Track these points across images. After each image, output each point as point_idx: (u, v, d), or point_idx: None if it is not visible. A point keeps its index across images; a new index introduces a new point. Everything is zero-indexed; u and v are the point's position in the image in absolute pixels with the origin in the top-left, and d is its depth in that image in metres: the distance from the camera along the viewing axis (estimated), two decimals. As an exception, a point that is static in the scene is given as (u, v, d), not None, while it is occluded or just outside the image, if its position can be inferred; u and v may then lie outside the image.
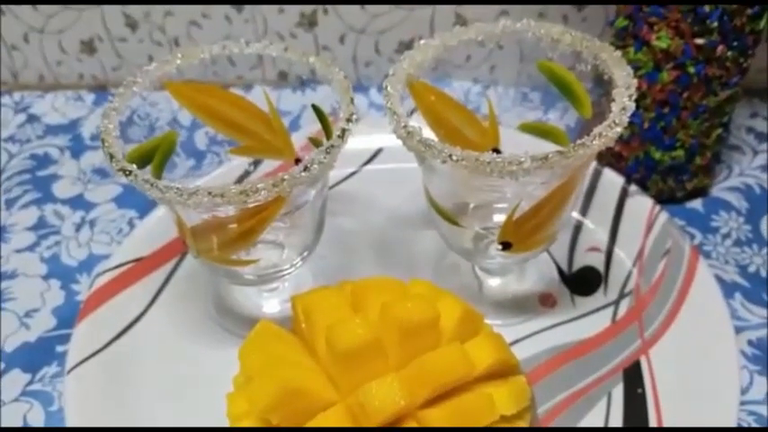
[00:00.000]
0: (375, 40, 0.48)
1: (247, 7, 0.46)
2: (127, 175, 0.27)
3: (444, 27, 0.47)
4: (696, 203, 0.42)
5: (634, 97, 0.28)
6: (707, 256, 0.39)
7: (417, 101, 0.33)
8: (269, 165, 0.40)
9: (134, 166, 0.27)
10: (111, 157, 0.27)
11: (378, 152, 0.43)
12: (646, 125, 0.38)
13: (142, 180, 0.26)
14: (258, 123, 0.33)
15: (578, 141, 0.27)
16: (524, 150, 0.33)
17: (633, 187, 0.39)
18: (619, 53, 0.30)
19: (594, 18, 0.46)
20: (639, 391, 0.33)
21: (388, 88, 0.30)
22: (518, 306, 0.36)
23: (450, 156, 0.27)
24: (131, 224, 0.41)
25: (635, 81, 0.29)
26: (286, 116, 0.48)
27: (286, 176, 0.26)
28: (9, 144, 0.47)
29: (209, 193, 0.26)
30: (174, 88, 0.32)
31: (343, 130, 0.28)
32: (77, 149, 0.46)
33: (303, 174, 0.27)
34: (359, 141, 0.42)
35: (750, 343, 0.35)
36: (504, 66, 0.48)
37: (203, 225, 0.30)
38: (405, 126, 0.28)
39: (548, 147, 0.34)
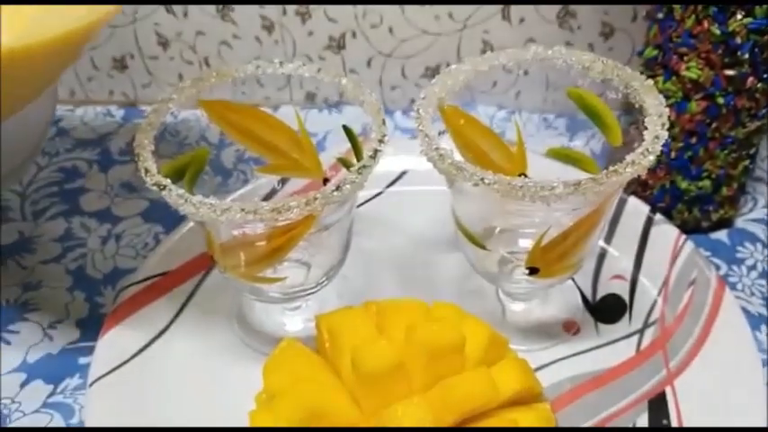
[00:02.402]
0: (402, 65, 0.48)
1: (277, 29, 0.47)
2: (161, 189, 0.27)
3: (471, 53, 0.47)
4: (721, 234, 0.42)
5: (666, 126, 0.28)
6: (732, 287, 0.38)
7: (447, 124, 0.33)
8: (296, 183, 0.40)
9: (168, 180, 0.27)
10: (146, 171, 0.28)
11: (402, 174, 0.43)
12: (673, 154, 0.38)
13: (176, 195, 0.27)
14: (288, 142, 0.34)
15: (611, 168, 0.27)
16: (552, 177, 0.33)
17: (658, 216, 0.39)
18: (650, 82, 0.30)
19: (621, 47, 0.46)
20: (665, 422, 0.32)
21: (420, 111, 0.30)
22: (541, 332, 0.36)
23: (483, 179, 0.27)
24: (157, 239, 0.42)
25: (667, 110, 0.29)
26: (312, 136, 0.48)
27: (318, 195, 0.27)
28: (38, 156, 0.47)
29: (242, 210, 0.26)
30: (207, 105, 0.32)
31: (376, 151, 0.29)
32: (105, 164, 0.47)
33: (335, 193, 0.27)
34: (384, 163, 0.41)
35: (777, 377, 0.34)
36: (529, 92, 0.48)
37: (233, 242, 0.30)
38: (437, 148, 0.28)
39: (575, 173, 0.34)
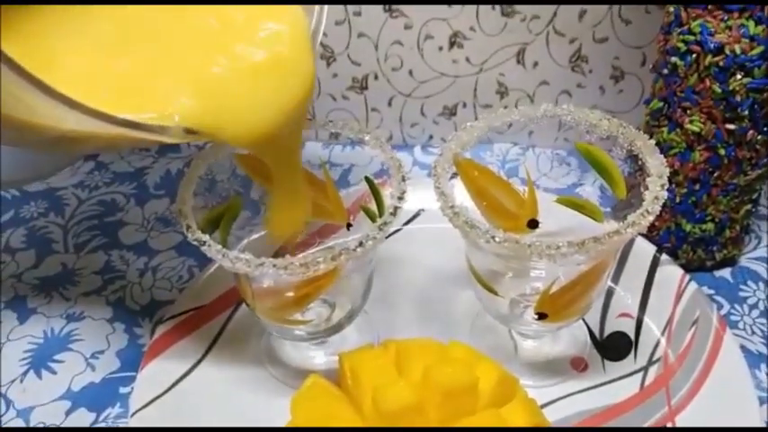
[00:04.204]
0: (421, 104, 0.51)
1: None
2: (201, 245, 0.30)
3: (487, 94, 0.50)
4: (725, 272, 0.43)
5: (666, 186, 0.31)
6: (734, 325, 0.40)
7: (462, 176, 0.35)
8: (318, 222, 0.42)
9: (207, 236, 0.30)
10: (188, 227, 0.31)
11: (419, 212, 0.46)
12: (677, 200, 0.40)
13: (215, 250, 0.29)
14: (315, 191, 0.37)
15: (612, 230, 0.29)
16: (560, 222, 0.36)
17: (664, 257, 0.41)
18: (652, 142, 0.33)
19: (631, 90, 0.48)
20: (665, 457, 0.34)
21: (437, 168, 0.33)
22: (551, 369, 0.38)
23: (494, 237, 0.29)
24: (191, 272, 0.44)
25: (667, 170, 0.31)
26: (336, 169, 0.51)
27: (343, 251, 0.29)
28: (79, 190, 0.50)
29: (274, 266, 0.29)
30: (240, 159, 0.35)
31: (396, 208, 0.31)
32: (142, 197, 0.49)
33: (359, 249, 0.29)
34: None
35: (774, 414, 0.36)
36: (543, 132, 0.50)
37: (264, 290, 0.32)
38: (452, 206, 0.31)
39: (583, 219, 0.37)
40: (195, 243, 0.30)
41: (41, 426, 0.37)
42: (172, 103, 0.26)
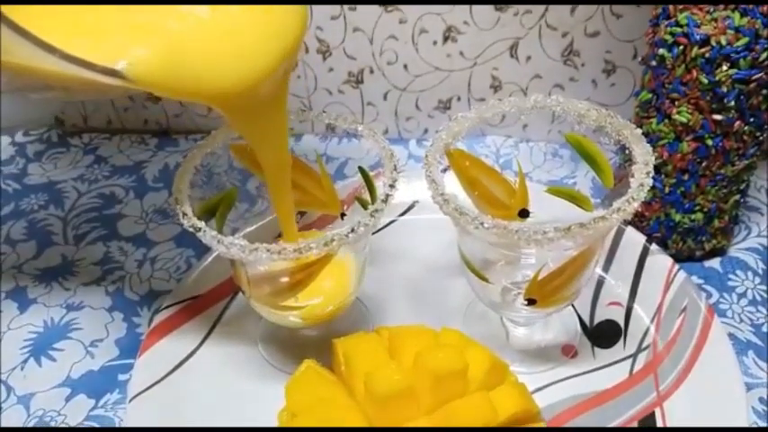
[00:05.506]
0: (416, 98, 0.51)
1: (300, 65, 0.50)
2: (197, 232, 0.31)
3: (481, 88, 0.50)
4: (714, 262, 0.44)
5: (651, 174, 0.31)
6: (722, 314, 0.41)
7: (453, 166, 0.36)
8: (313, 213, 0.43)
9: (203, 223, 0.31)
10: (184, 214, 0.31)
11: (414, 204, 0.47)
12: (666, 190, 0.41)
13: (210, 237, 0.30)
14: (310, 182, 0.37)
15: (598, 215, 0.29)
16: (551, 211, 0.37)
17: (654, 246, 0.42)
18: (639, 131, 0.33)
19: (623, 83, 0.49)
20: (653, 441, 0.35)
21: (428, 158, 0.33)
22: (542, 355, 0.39)
23: (482, 224, 0.30)
24: (189, 262, 0.45)
25: (653, 158, 0.32)
26: (332, 162, 0.52)
27: (335, 237, 0.30)
28: (78, 183, 0.51)
29: (268, 251, 0.29)
30: (236, 149, 0.36)
31: (387, 196, 0.32)
32: (141, 190, 0.50)
33: (351, 235, 0.30)
34: (397, 194, 0.45)
35: (761, 400, 0.37)
36: (536, 124, 0.51)
37: (259, 276, 0.33)
38: (442, 194, 0.32)
39: (573, 209, 0.37)
40: (191, 230, 0.31)
41: (41, 412, 0.38)
42: (133, 51, 0.25)
